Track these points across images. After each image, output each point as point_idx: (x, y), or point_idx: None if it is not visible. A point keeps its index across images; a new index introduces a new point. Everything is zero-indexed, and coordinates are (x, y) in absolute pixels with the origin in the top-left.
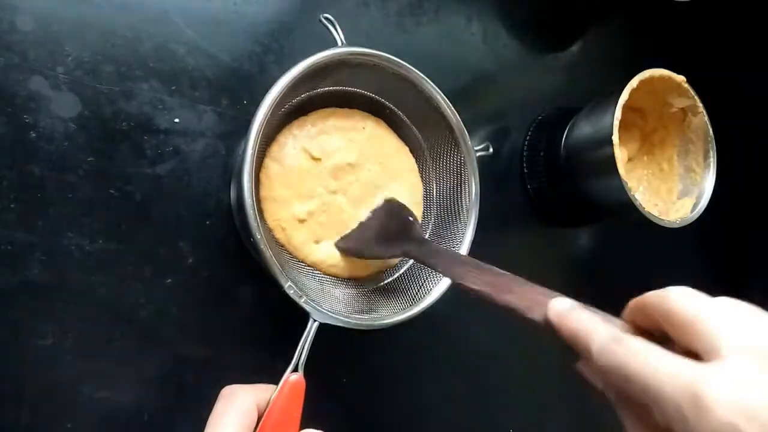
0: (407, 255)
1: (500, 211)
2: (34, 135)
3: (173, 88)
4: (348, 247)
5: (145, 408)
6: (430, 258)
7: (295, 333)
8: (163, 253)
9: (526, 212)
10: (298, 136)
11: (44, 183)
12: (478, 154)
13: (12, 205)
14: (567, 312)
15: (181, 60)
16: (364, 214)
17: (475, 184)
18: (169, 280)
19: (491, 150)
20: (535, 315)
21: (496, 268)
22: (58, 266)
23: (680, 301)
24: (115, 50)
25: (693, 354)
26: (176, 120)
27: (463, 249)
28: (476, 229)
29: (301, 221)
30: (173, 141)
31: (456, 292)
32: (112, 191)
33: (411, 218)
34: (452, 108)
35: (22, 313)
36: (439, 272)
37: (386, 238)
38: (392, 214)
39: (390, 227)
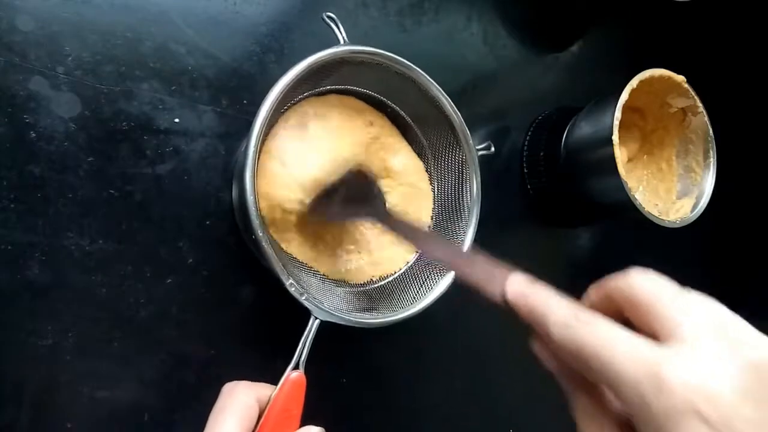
0: (370, 217)
1: (500, 211)
2: (34, 135)
3: (173, 88)
4: (314, 208)
5: (145, 408)
6: (394, 225)
7: (295, 333)
8: (163, 253)
9: (526, 212)
10: (290, 128)
11: (44, 183)
12: (480, 153)
13: (12, 205)
14: (525, 288)
15: (181, 60)
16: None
17: (477, 183)
18: (169, 280)
19: (493, 149)
20: (494, 289)
21: (457, 246)
22: (58, 266)
23: (643, 284)
24: (115, 50)
25: (652, 337)
26: (176, 120)
27: (465, 248)
28: (474, 243)
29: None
30: (173, 141)
31: (456, 292)
32: (112, 191)
33: (375, 187)
34: (454, 107)
35: (22, 313)
36: (402, 238)
37: (350, 200)
38: (357, 181)
39: (354, 189)
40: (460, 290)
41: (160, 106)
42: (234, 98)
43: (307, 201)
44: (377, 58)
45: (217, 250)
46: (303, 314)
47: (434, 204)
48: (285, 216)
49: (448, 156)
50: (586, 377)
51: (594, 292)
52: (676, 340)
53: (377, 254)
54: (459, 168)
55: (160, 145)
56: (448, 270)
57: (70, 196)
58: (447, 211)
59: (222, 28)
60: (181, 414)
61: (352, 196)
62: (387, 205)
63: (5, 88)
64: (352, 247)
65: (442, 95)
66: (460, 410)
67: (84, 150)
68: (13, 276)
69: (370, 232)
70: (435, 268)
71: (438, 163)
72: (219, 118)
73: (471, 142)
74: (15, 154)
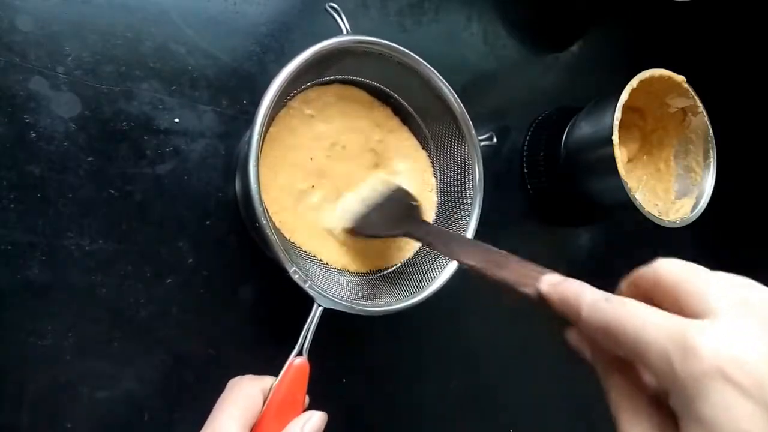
0: (408, 235)
1: (500, 210)
2: (34, 135)
3: (173, 88)
4: (353, 225)
5: (145, 408)
6: (430, 237)
7: (295, 333)
8: (163, 253)
9: (526, 212)
10: (296, 117)
11: (44, 183)
12: (483, 144)
13: (12, 205)
14: (558, 282)
15: (181, 60)
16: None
17: (479, 173)
18: (169, 280)
19: (495, 140)
20: (529, 289)
21: (493, 247)
22: (58, 266)
23: (670, 268)
24: (115, 50)
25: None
26: (176, 120)
27: (469, 234)
28: (476, 228)
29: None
30: (173, 141)
31: (459, 286)
32: (112, 191)
33: (414, 203)
34: (456, 97)
35: (22, 313)
36: (438, 251)
37: (389, 219)
38: (397, 198)
39: (393, 209)
40: (463, 287)
41: (160, 106)
42: (234, 98)
43: (343, 223)
44: (380, 48)
45: (217, 250)
46: (303, 313)
47: (437, 194)
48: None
49: (451, 146)
50: (618, 357)
51: (623, 283)
52: (705, 315)
53: (383, 243)
54: (462, 158)
55: (160, 145)
56: (484, 275)
57: (70, 196)
58: (450, 201)
59: (222, 28)
60: (181, 414)
61: (393, 214)
62: (423, 217)
63: (5, 88)
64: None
65: (445, 86)
66: (459, 409)
67: (84, 150)
68: (13, 276)
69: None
70: (437, 257)
71: (441, 154)
72: (219, 118)
73: (473, 132)
74: (15, 154)
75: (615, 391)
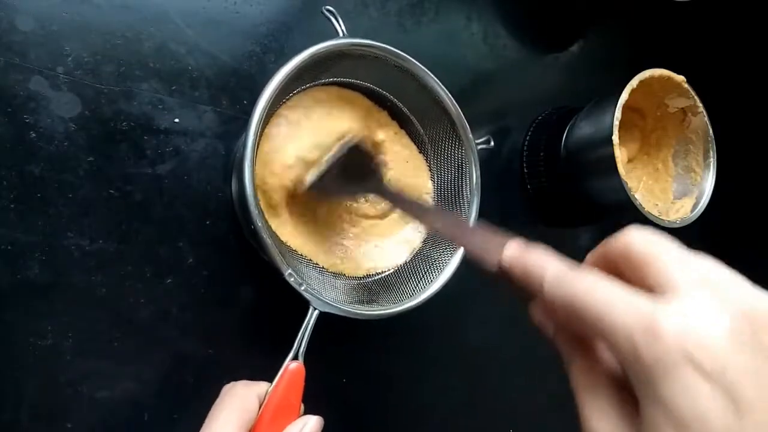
0: (371, 192)
1: (500, 211)
2: (34, 135)
3: (173, 88)
4: (314, 186)
5: (145, 408)
6: (392, 198)
7: (295, 333)
8: (163, 253)
9: (526, 212)
10: (289, 118)
11: (44, 183)
12: (480, 147)
13: (12, 205)
14: (521, 252)
15: (181, 60)
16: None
17: (476, 176)
18: (169, 280)
19: (492, 143)
20: (491, 257)
21: (459, 217)
22: (58, 266)
23: (639, 239)
24: (115, 50)
25: (648, 292)
26: (176, 120)
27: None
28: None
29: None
30: (173, 141)
31: (457, 289)
32: (112, 191)
33: (374, 161)
34: (453, 100)
35: (22, 313)
36: (404, 211)
37: (351, 179)
38: (356, 158)
39: (354, 169)
40: (460, 290)
41: (160, 106)
42: (234, 98)
43: (308, 178)
44: (376, 51)
45: (217, 250)
46: (303, 312)
47: (434, 198)
48: (285, 198)
49: (448, 149)
50: (581, 336)
51: (590, 255)
52: (671, 293)
53: (378, 247)
54: (459, 161)
55: (160, 145)
56: (449, 240)
57: (70, 196)
58: (447, 205)
59: (222, 28)
60: (181, 414)
61: (352, 172)
62: (385, 179)
63: (5, 88)
64: (352, 239)
65: (441, 88)
66: (459, 410)
67: (84, 150)
68: (13, 276)
69: (371, 226)
70: (434, 261)
71: (438, 157)
72: (219, 118)
73: (470, 135)
74: (15, 154)
75: (576, 371)
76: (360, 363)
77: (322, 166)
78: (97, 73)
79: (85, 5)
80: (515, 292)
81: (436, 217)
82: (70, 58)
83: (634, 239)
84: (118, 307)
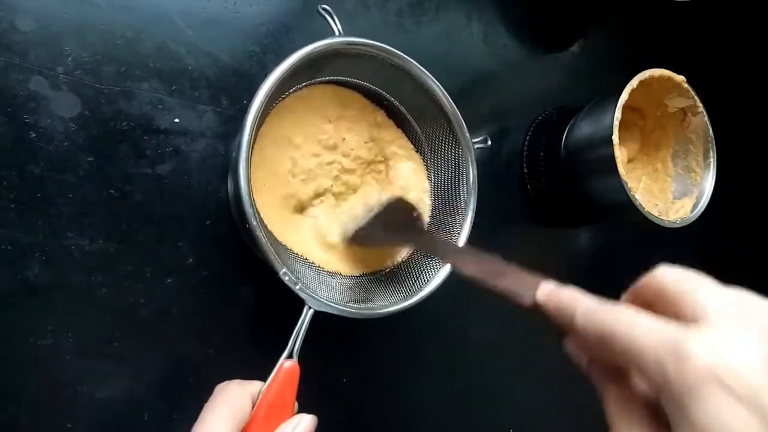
0: (410, 245)
1: (500, 211)
2: (34, 135)
3: (173, 88)
4: (355, 235)
5: (145, 408)
6: (431, 247)
7: (292, 332)
8: (163, 253)
9: (526, 212)
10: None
11: (44, 183)
12: (477, 146)
13: (12, 205)
14: (554, 290)
15: (181, 60)
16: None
17: (473, 174)
18: (169, 280)
19: (489, 142)
20: (526, 298)
21: (492, 256)
22: (58, 266)
23: (670, 274)
24: (115, 50)
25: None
26: (176, 120)
27: (462, 239)
28: (476, 229)
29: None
30: (173, 141)
31: (454, 288)
32: (112, 191)
33: (415, 212)
34: (450, 99)
35: (22, 313)
36: (438, 258)
37: (390, 229)
38: (397, 207)
39: (394, 218)
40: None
41: (160, 106)
42: (234, 98)
43: (346, 231)
44: (372, 50)
45: (217, 250)
46: (301, 311)
47: (431, 197)
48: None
49: (445, 149)
50: (613, 366)
51: (625, 294)
52: (702, 322)
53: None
54: (456, 161)
55: (160, 145)
56: (483, 284)
57: (70, 196)
58: (444, 204)
59: (222, 28)
60: (181, 414)
61: (393, 222)
62: (424, 227)
63: (5, 88)
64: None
65: (437, 87)
66: (459, 410)
67: (84, 150)
68: (13, 276)
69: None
70: (430, 260)
71: (435, 156)
72: (219, 118)
73: (467, 134)
74: (15, 154)
75: (610, 400)
76: (356, 363)
77: (361, 221)
78: (97, 73)
79: (85, 5)
80: (551, 326)
81: (472, 260)
82: (70, 58)
83: (667, 275)
84: (118, 307)
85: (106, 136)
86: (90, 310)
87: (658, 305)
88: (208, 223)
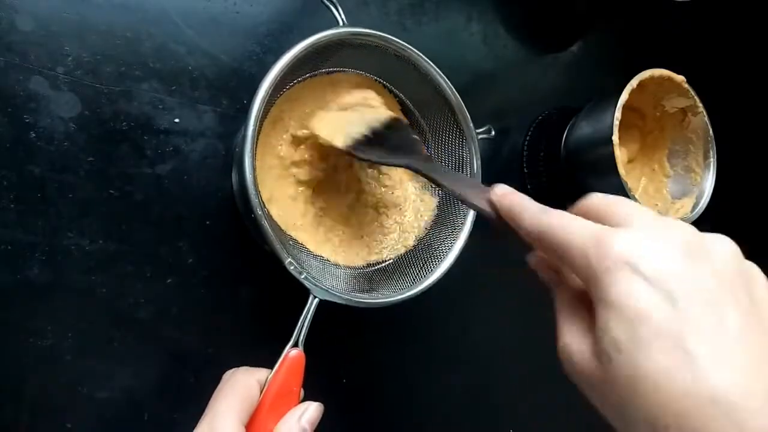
0: (408, 167)
1: None
2: (34, 135)
3: (173, 88)
4: (356, 146)
5: (145, 408)
6: (427, 170)
7: (294, 327)
8: (163, 253)
9: None
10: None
11: (44, 183)
12: (480, 137)
13: (12, 205)
14: (508, 192)
15: (181, 60)
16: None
17: (477, 164)
18: (169, 280)
19: (493, 133)
20: (484, 202)
21: (464, 176)
22: (58, 266)
23: (602, 196)
24: (115, 50)
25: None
26: (176, 120)
27: (465, 229)
28: (475, 229)
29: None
30: (173, 141)
31: (457, 281)
32: (112, 191)
33: (416, 137)
34: (453, 90)
35: (22, 313)
36: (429, 180)
37: (390, 148)
38: (399, 129)
39: (395, 139)
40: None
41: (160, 106)
42: (234, 98)
43: (345, 138)
44: (376, 40)
45: (217, 250)
46: (303, 306)
47: (437, 193)
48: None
49: (449, 139)
50: (557, 268)
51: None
52: (624, 225)
53: (381, 238)
54: (459, 151)
55: (160, 145)
56: (451, 191)
57: (70, 196)
58: (448, 195)
59: (222, 28)
60: (181, 414)
61: (395, 144)
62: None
63: (5, 88)
64: (354, 228)
65: (442, 78)
66: (459, 409)
67: (84, 150)
68: (13, 276)
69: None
70: (434, 250)
71: (439, 147)
72: (219, 118)
73: (471, 124)
74: (15, 154)
75: (557, 298)
76: (360, 352)
77: (361, 128)
78: (97, 73)
79: (85, 5)
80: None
81: (454, 178)
82: (70, 58)
83: (597, 196)
84: (118, 307)
85: (106, 136)
86: (90, 310)
87: (591, 218)
88: (208, 223)
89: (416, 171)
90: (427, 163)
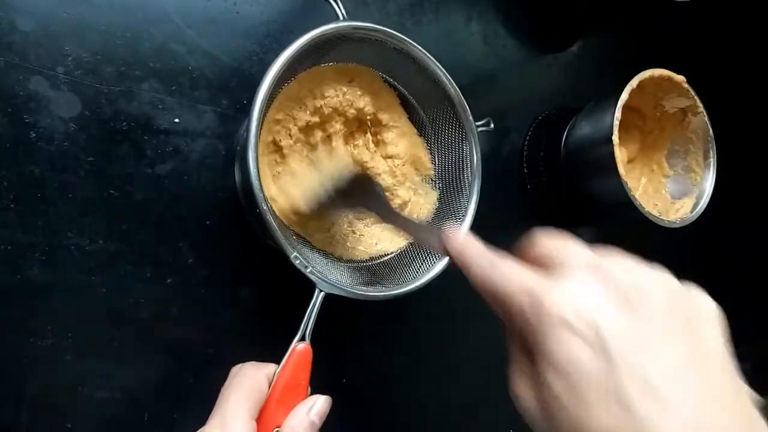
0: (370, 210)
1: (500, 210)
2: (34, 135)
3: (173, 88)
4: (312, 209)
5: (145, 408)
6: (389, 217)
7: (296, 327)
8: (163, 253)
9: (526, 212)
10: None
11: (44, 183)
12: (480, 129)
13: (12, 205)
14: (458, 242)
15: (181, 60)
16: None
17: (477, 157)
18: (169, 280)
19: (492, 125)
20: (439, 246)
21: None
22: (58, 266)
23: (546, 237)
24: (115, 50)
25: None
26: (176, 120)
27: (467, 222)
28: (475, 229)
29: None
30: (173, 141)
31: (458, 279)
32: (112, 191)
33: (375, 185)
34: (453, 83)
35: (22, 313)
36: (379, 217)
37: (347, 199)
38: (358, 181)
39: (353, 190)
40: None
41: (160, 106)
42: (234, 98)
43: (304, 205)
44: (376, 34)
45: (217, 249)
46: (305, 303)
47: (435, 180)
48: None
49: (448, 132)
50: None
51: (515, 251)
52: (560, 272)
53: (380, 233)
54: (459, 143)
55: (160, 145)
56: (408, 234)
57: (70, 196)
58: (449, 188)
59: (222, 28)
60: (181, 414)
61: (356, 193)
62: (387, 201)
63: (5, 88)
64: (357, 223)
65: (440, 70)
66: (459, 410)
67: (84, 150)
68: (13, 276)
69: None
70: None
71: (438, 140)
72: (219, 118)
73: (470, 116)
74: (15, 154)
75: (508, 341)
76: (365, 346)
77: (320, 196)
78: (97, 73)
79: (85, 5)
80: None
81: (410, 222)
82: (70, 58)
83: (539, 236)
84: (118, 307)
85: (106, 136)
86: (90, 310)
87: (535, 261)
88: (208, 223)
89: (379, 218)
90: (390, 213)
